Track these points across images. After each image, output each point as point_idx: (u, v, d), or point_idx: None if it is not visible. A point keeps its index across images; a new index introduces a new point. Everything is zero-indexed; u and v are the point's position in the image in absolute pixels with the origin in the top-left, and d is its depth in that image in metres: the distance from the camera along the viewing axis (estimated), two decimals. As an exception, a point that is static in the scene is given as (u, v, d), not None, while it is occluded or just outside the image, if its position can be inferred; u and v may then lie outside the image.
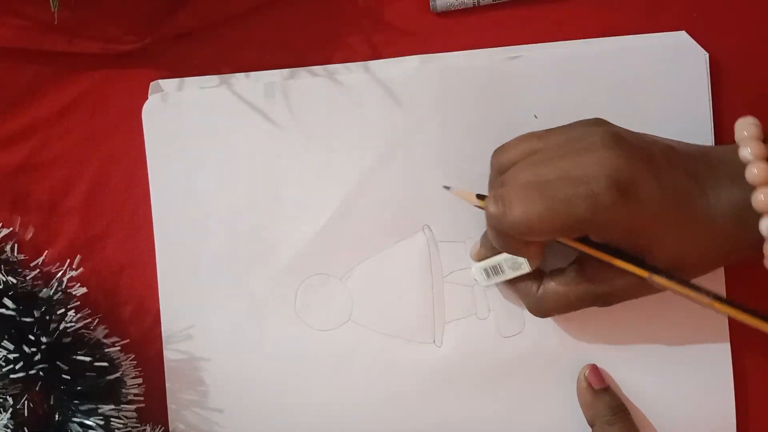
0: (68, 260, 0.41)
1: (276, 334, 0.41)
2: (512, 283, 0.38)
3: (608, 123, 0.35)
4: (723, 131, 0.39)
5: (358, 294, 0.41)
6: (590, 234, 0.33)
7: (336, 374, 0.41)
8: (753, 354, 0.40)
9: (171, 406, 0.41)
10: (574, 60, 0.40)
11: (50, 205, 0.42)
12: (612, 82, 0.40)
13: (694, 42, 0.39)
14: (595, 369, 0.39)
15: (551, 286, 0.36)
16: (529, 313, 0.38)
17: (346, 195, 0.41)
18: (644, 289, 0.34)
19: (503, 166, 0.36)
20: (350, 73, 0.41)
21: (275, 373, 0.41)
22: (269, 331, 0.41)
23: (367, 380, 0.41)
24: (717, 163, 0.34)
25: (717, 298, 0.31)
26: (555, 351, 0.40)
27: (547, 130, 0.35)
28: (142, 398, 0.40)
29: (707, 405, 0.39)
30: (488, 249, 0.38)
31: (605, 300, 0.35)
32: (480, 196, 0.37)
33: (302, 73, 0.41)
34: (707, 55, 0.39)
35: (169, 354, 0.42)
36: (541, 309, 0.37)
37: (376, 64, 0.41)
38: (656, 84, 0.40)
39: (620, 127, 0.34)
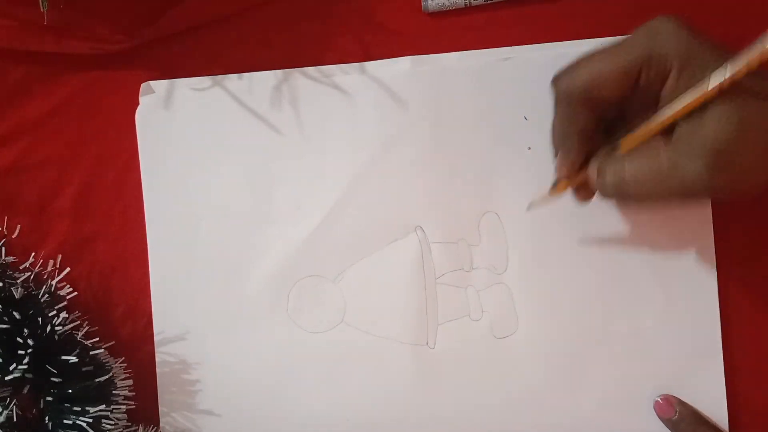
0: (57, 261, 0.41)
1: (268, 336, 0.41)
2: (593, 165, 0.35)
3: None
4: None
5: (350, 296, 0.41)
6: (657, 71, 0.31)
7: (328, 376, 0.41)
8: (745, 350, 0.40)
9: (162, 408, 0.41)
10: (564, 61, 0.40)
11: (40, 207, 0.42)
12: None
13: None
14: (659, 404, 0.39)
15: (647, 155, 0.33)
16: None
17: (339, 197, 0.41)
18: (757, 142, 0.31)
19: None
20: (343, 75, 0.41)
21: (267, 375, 0.41)
22: (261, 334, 0.41)
23: (360, 382, 0.41)
24: None
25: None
26: (548, 352, 0.40)
27: None
28: (133, 400, 0.40)
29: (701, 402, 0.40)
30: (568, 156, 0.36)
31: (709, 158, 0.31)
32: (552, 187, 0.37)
33: (295, 74, 0.41)
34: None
35: (160, 356, 0.41)
36: (618, 176, 0.33)
37: (367, 66, 0.41)
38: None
39: None
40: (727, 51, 0.31)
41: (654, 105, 0.33)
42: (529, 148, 0.40)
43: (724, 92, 0.30)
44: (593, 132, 0.35)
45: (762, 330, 0.40)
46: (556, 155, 0.36)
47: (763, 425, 0.40)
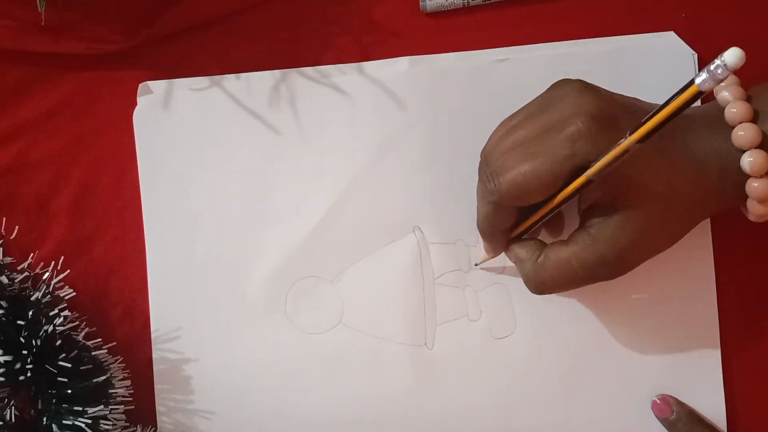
0: (60, 263, 0.41)
1: (266, 337, 0.41)
2: (513, 252, 0.36)
3: (575, 79, 0.34)
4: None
5: (348, 297, 0.41)
6: (578, 176, 0.32)
7: (327, 377, 0.41)
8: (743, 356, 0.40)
9: (159, 408, 0.41)
10: (563, 61, 0.40)
11: (38, 207, 0.42)
12: (601, 82, 0.39)
13: (683, 42, 0.39)
14: (657, 404, 0.40)
15: (554, 251, 0.34)
16: (524, 301, 0.37)
17: (337, 197, 0.41)
18: (646, 242, 0.33)
19: (486, 151, 0.35)
20: (341, 75, 0.41)
21: (265, 376, 0.41)
22: (259, 334, 0.41)
23: (358, 383, 0.41)
24: (694, 112, 0.34)
25: (631, 131, 0.29)
26: (546, 352, 0.40)
27: (522, 108, 0.35)
28: (131, 399, 0.40)
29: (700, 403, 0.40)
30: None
31: (610, 265, 0.33)
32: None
33: (293, 74, 0.41)
34: (695, 55, 0.39)
35: (158, 356, 0.41)
36: (539, 279, 0.34)
37: (365, 66, 0.41)
38: (645, 84, 0.40)
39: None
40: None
41: None
42: None
43: (635, 189, 0.32)
44: (518, 221, 0.36)
45: (760, 330, 0.40)
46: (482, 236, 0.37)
47: (760, 425, 0.40)
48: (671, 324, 0.40)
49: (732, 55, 0.24)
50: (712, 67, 0.25)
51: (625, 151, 0.30)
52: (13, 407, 0.37)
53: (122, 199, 0.42)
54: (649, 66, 0.40)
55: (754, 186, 0.32)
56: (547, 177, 0.31)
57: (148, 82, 0.41)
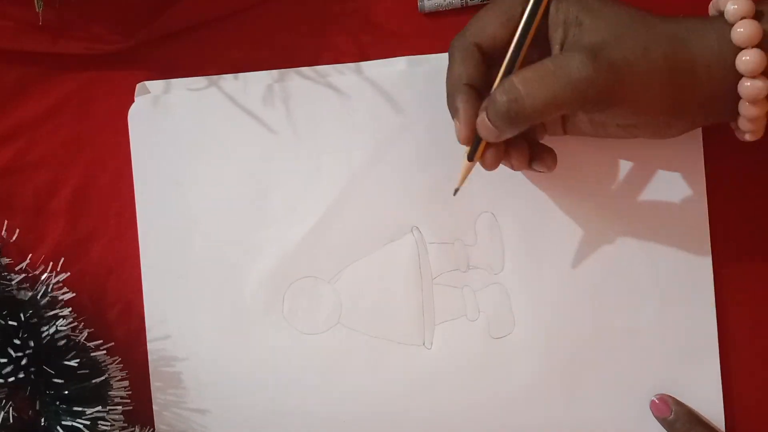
0: (59, 265, 0.41)
1: (264, 337, 0.41)
2: (483, 107, 0.33)
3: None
4: (712, 129, 0.39)
5: (346, 297, 0.41)
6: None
7: (325, 378, 0.41)
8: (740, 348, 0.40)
9: (156, 408, 0.41)
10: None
11: (35, 208, 0.42)
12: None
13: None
14: (655, 404, 0.40)
15: (522, 70, 0.32)
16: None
17: (335, 197, 0.41)
18: (629, 51, 0.32)
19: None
20: (339, 75, 0.41)
21: (263, 376, 0.41)
22: (257, 335, 0.41)
23: (357, 383, 0.41)
24: (694, 21, 0.33)
25: None
26: (544, 351, 0.40)
27: None
28: (129, 400, 0.40)
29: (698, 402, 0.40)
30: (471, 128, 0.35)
31: (593, 61, 0.31)
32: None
33: (291, 74, 0.41)
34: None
35: (154, 356, 0.41)
36: (511, 98, 0.32)
37: (363, 66, 0.41)
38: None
39: None
40: None
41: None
42: None
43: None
44: (484, 85, 0.34)
45: (758, 329, 0.40)
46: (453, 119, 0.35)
47: (758, 424, 0.40)
48: (669, 324, 0.40)
49: None
50: None
51: None
52: (11, 408, 0.37)
53: (120, 199, 0.42)
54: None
55: (746, 86, 0.31)
56: (498, 13, 0.33)
57: (146, 82, 0.41)
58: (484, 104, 0.33)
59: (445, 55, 0.40)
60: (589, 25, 0.32)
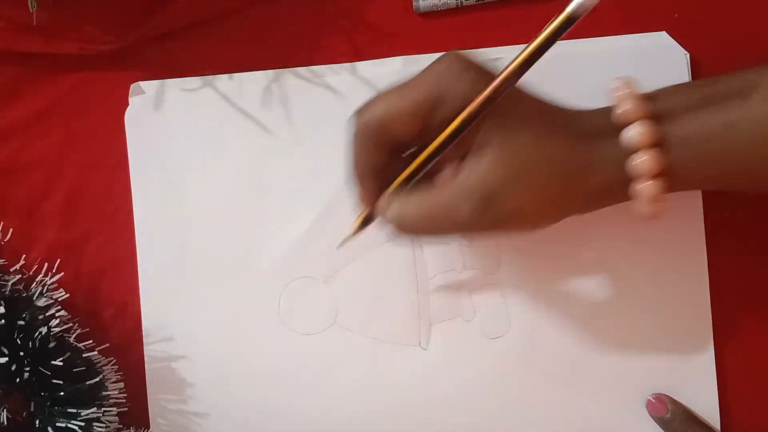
0: (55, 266, 0.40)
1: (260, 338, 0.41)
2: (378, 206, 0.34)
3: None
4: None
5: (342, 297, 0.41)
6: (443, 110, 0.31)
7: (321, 378, 0.41)
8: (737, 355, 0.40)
9: (152, 410, 0.41)
10: (555, 61, 0.40)
11: (29, 209, 0.42)
12: (594, 82, 0.40)
13: (675, 42, 0.39)
14: (652, 403, 0.39)
15: (417, 192, 0.33)
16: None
17: (330, 197, 0.41)
18: (520, 199, 0.31)
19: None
20: (334, 75, 0.41)
21: (259, 377, 0.41)
22: (253, 336, 0.41)
23: (353, 384, 0.41)
24: (583, 113, 0.33)
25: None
26: (540, 352, 0.40)
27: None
28: (124, 401, 0.40)
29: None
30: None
31: (477, 203, 0.31)
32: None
33: (287, 74, 0.41)
34: (688, 55, 0.39)
35: (150, 358, 0.41)
36: (401, 216, 0.33)
37: (358, 66, 0.41)
38: (638, 84, 0.40)
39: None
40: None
41: None
42: None
43: (503, 131, 0.31)
44: (389, 168, 0.34)
45: (753, 329, 0.40)
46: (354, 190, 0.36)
47: (754, 423, 0.40)
48: (665, 324, 0.40)
49: None
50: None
51: (504, 84, 0.30)
52: (5, 410, 0.37)
53: (114, 200, 0.42)
54: (642, 66, 0.40)
55: (639, 188, 0.31)
56: (409, 105, 0.31)
57: (140, 83, 0.41)
58: (385, 198, 0.34)
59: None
60: (492, 156, 0.31)
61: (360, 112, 0.33)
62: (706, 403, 0.39)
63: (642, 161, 0.31)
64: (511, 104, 0.31)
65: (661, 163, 0.31)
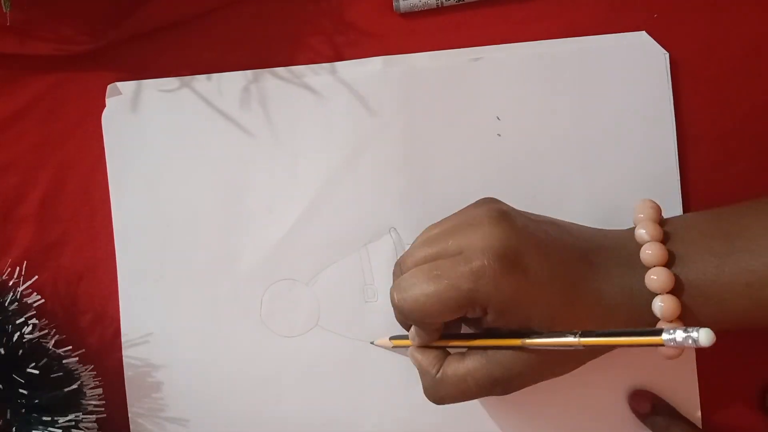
0: (23, 268, 0.40)
1: (241, 341, 0.41)
2: (415, 358, 0.36)
3: (498, 201, 0.35)
4: (684, 130, 0.40)
5: (325, 299, 0.40)
6: (481, 309, 0.32)
7: (304, 381, 0.40)
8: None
9: (132, 417, 0.40)
10: (536, 61, 0.40)
11: (4, 212, 0.41)
12: (574, 82, 0.40)
13: (654, 42, 0.40)
14: (634, 398, 0.40)
15: (451, 367, 0.34)
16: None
17: (311, 198, 0.40)
18: (540, 371, 0.34)
19: (403, 256, 0.36)
20: (314, 75, 0.41)
21: (240, 381, 0.41)
22: (234, 339, 0.41)
23: (336, 386, 0.40)
24: (611, 246, 0.34)
25: (584, 334, 0.30)
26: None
27: (446, 218, 0.35)
28: (103, 408, 0.40)
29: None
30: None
31: (504, 385, 0.34)
32: (393, 338, 0.39)
33: (266, 74, 0.41)
34: (667, 55, 0.40)
35: (129, 363, 0.41)
36: (437, 393, 0.35)
37: (338, 66, 0.40)
38: (618, 84, 0.40)
39: (510, 206, 0.34)
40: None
41: None
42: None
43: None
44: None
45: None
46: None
47: (733, 418, 0.40)
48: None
49: (705, 337, 0.25)
50: (683, 335, 0.26)
51: (567, 345, 0.31)
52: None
53: (91, 203, 0.41)
54: (622, 66, 0.40)
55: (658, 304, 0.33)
56: (447, 304, 0.32)
57: (117, 83, 0.41)
58: (416, 356, 0.36)
59: (422, 55, 0.40)
60: (503, 358, 0.33)
61: (395, 291, 0.34)
62: (687, 399, 0.40)
63: (661, 306, 0.32)
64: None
65: (679, 308, 0.32)
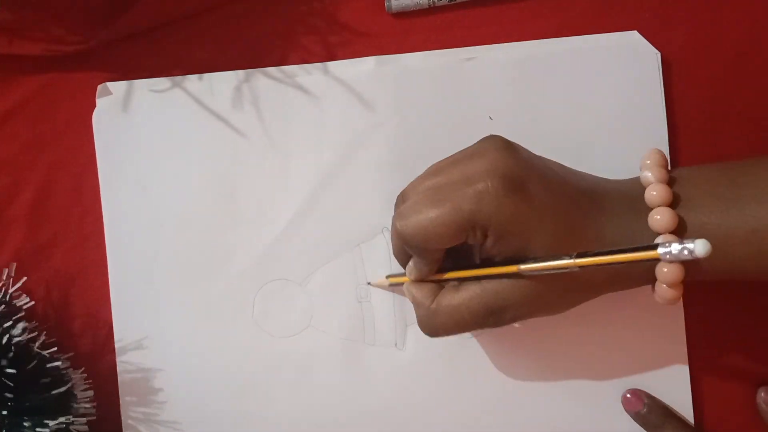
0: (12, 270, 0.39)
1: (234, 342, 0.40)
2: (410, 292, 0.36)
3: (503, 137, 0.34)
4: (676, 128, 0.40)
5: (318, 299, 0.40)
6: (482, 233, 0.32)
7: (297, 381, 0.40)
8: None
9: (125, 419, 0.40)
10: (528, 60, 0.40)
11: (-6, 214, 0.41)
12: (566, 82, 0.40)
13: (646, 41, 0.40)
14: (628, 398, 0.40)
15: (446, 298, 0.34)
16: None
17: (304, 199, 0.40)
18: (536, 304, 0.33)
19: (407, 188, 0.36)
20: (306, 75, 0.40)
21: (234, 382, 0.40)
22: (227, 340, 0.40)
23: (330, 387, 0.40)
24: (615, 189, 0.34)
25: (579, 255, 0.30)
26: (517, 351, 0.40)
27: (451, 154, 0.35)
28: (94, 411, 0.39)
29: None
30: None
31: (497, 315, 0.33)
32: (390, 276, 0.39)
33: (257, 74, 0.40)
34: (659, 54, 0.40)
35: (122, 366, 0.40)
36: (431, 323, 0.35)
37: (330, 66, 0.40)
38: (610, 83, 0.40)
39: (515, 143, 0.34)
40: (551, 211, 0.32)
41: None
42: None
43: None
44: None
45: (724, 326, 0.40)
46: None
47: (725, 417, 0.40)
48: (639, 320, 0.40)
49: (701, 247, 0.25)
50: (679, 247, 0.26)
51: (563, 268, 0.30)
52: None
53: (82, 204, 0.41)
54: (614, 65, 0.40)
55: (664, 271, 0.32)
56: (449, 226, 0.32)
57: (108, 84, 0.40)
58: (411, 290, 0.36)
59: (414, 55, 0.40)
60: (498, 287, 0.33)
61: (397, 218, 0.33)
62: (679, 398, 0.40)
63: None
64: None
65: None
